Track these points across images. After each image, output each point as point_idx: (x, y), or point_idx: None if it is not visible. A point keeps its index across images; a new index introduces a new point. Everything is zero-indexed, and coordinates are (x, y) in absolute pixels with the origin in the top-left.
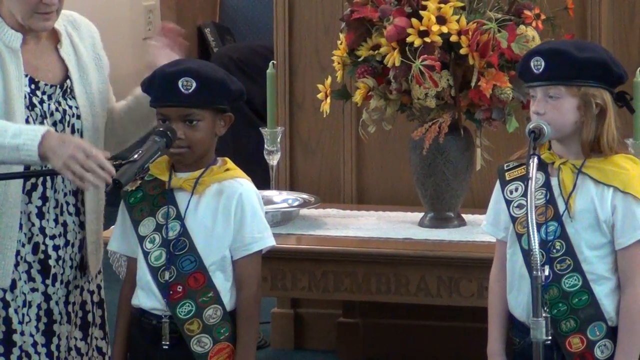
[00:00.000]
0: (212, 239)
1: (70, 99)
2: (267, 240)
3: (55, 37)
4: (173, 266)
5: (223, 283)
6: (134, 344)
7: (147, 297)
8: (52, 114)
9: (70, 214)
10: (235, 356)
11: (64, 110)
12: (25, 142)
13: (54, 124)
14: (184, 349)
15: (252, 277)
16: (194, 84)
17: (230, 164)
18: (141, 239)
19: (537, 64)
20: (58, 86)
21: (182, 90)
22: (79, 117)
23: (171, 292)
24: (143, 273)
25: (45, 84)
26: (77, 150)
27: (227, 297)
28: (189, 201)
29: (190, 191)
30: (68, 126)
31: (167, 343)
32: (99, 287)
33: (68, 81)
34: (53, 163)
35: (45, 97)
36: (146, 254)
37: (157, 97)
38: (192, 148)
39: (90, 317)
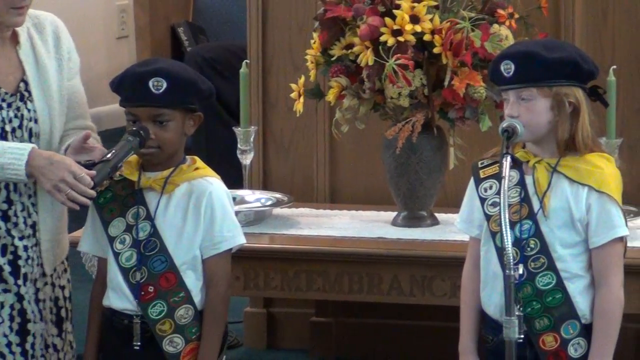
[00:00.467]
0: (182, 238)
1: (30, 102)
2: (237, 238)
3: (15, 38)
4: (144, 267)
5: (194, 283)
6: (106, 344)
7: (118, 297)
8: (10, 121)
9: (37, 213)
10: (198, 354)
11: (22, 116)
12: (11, 161)
13: (13, 131)
14: (156, 349)
15: (222, 275)
16: (165, 84)
17: (199, 162)
18: (111, 240)
19: (507, 68)
20: (18, 94)
21: (153, 90)
22: (36, 120)
23: (142, 293)
24: (114, 274)
25: (6, 93)
26: (66, 173)
27: (199, 297)
28: (159, 201)
29: (159, 191)
30: (26, 131)
31: (139, 343)
32: (69, 281)
33: (22, 84)
34: (41, 183)
35: (4, 105)
36: (116, 255)
37: (127, 97)
38: (162, 148)
39: (63, 313)
